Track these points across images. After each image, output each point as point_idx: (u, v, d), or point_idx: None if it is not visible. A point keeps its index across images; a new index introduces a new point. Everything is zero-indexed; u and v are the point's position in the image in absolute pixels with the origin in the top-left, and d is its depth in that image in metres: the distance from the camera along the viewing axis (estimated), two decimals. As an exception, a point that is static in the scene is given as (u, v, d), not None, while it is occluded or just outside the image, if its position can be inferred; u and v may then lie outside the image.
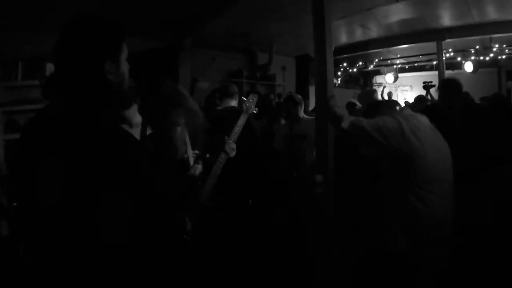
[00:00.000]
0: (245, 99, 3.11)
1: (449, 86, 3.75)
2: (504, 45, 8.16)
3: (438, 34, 7.48)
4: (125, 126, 3.34)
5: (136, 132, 3.01)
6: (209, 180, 2.60)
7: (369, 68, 10.65)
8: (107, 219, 1.01)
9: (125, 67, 1.26)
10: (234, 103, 3.79)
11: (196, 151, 2.63)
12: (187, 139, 2.51)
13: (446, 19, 6.81)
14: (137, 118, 3.15)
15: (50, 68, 5.15)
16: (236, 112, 3.22)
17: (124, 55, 1.26)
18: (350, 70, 10.62)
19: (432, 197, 2.14)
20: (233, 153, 2.79)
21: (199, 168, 2.56)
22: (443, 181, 2.22)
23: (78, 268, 0.99)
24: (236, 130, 2.86)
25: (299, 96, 4.43)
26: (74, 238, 0.99)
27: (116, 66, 1.20)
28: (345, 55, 9.26)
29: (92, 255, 1.00)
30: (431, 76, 8.19)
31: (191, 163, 2.54)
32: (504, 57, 8.55)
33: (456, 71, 8.88)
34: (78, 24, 1.20)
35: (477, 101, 6.46)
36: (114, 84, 1.19)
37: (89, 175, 0.99)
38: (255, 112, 3.07)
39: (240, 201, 3.48)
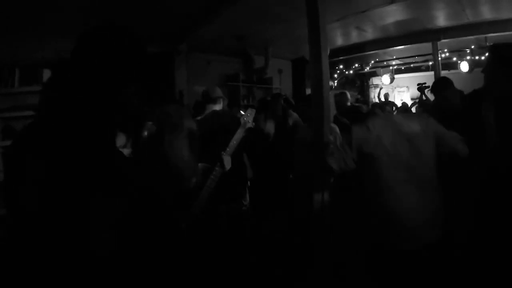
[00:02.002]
0: (243, 113, 3.09)
1: (438, 85, 3.81)
2: (500, 45, 8.17)
3: (433, 35, 7.51)
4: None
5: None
6: (204, 192, 2.60)
7: (365, 69, 10.67)
8: (94, 224, 0.99)
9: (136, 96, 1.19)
10: (218, 107, 3.69)
11: (191, 163, 2.63)
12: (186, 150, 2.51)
13: (441, 20, 6.83)
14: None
15: (46, 74, 5.15)
16: (231, 124, 3.18)
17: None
18: (346, 72, 10.64)
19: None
20: (228, 167, 2.77)
21: (193, 180, 2.56)
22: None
23: (64, 275, 0.98)
24: (232, 144, 2.85)
25: None
26: (59, 244, 0.96)
27: (132, 93, 1.16)
28: (341, 57, 9.26)
29: (79, 262, 0.98)
30: (427, 76, 8.20)
31: (186, 174, 2.54)
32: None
33: (452, 71, 8.89)
34: (114, 37, 1.16)
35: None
36: (122, 107, 1.15)
37: (74, 179, 0.98)
38: (252, 126, 3.06)
39: (235, 212, 3.46)
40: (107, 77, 1.10)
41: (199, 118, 3.66)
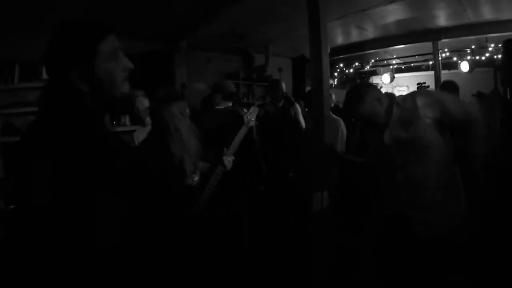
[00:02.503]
0: (247, 111, 3.10)
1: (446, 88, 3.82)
2: (500, 45, 8.16)
3: (434, 34, 7.51)
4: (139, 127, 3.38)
5: (146, 130, 3.03)
6: (206, 191, 2.60)
7: (366, 68, 10.68)
8: (100, 220, 1.01)
9: (104, 69, 1.17)
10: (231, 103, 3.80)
11: (193, 161, 2.63)
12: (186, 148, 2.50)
13: (442, 19, 6.84)
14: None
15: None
16: (238, 121, 3.19)
17: (102, 57, 1.16)
18: (347, 71, 10.65)
19: None
20: (230, 166, 2.77)
21: (196, 178, 2.56)
22: None
23: (72, 269, 0.99)
24: (235, 143, 2.85)
25: None
26: (66, 239, 0.98)
27: (89, 73, 1.14)
28: (341, 56, 9.28)
29: (86, 256, 1.00)
30: (428, 76, 8.21)
31: (188, 172, 2.54)
32: (500, 56, 8.56)
33: (452, 71, 8.90)
34: (54, 32, 1.16)
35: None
36: (84, 91, 1.15)
37: (80, 176, 0.99)
38: (254, 125, 3.06)
39: (238, 211, 3.47)
40: (55, 62, 1.15)
41: (220, 107, 3.71)
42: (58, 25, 1.17)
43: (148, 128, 2.98)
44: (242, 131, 2.90)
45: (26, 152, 1.09)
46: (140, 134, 3.49)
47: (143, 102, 3.74)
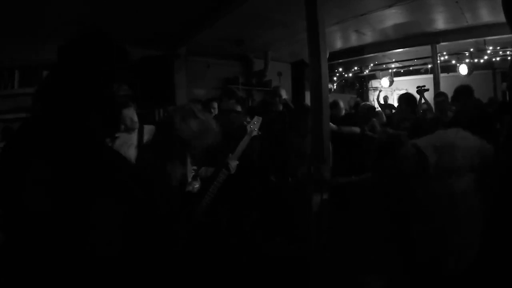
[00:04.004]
0: (250, 120, 3.12)
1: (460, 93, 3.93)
2: (498, 47, 8.20)
3: (433, 38, 7.53)
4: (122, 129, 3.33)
5: (134, 137, 3.02)
6: (206, 197, 2.59)
7: (365, 72, 10.69)
8: (97, 228, 1.00)
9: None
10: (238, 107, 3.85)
11: (194, 167, 2.63)
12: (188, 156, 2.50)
13: (440, 23, 6.85)
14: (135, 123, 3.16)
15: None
16: (241, 130, 3.20)
17: None
18: (346, 75, 10.66)
19: None
20: (234, 170, 2.78)
21: (196, 185, 2.56)
22: None
23: (67, 277, 0.98)
24: (237, 152, 2.87)
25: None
26: (63, 246, 0.97)
27: (110, 85, 1.24)
28: (340, 60, 9.29)
29: (82, 264, 0.98)
30: (426, 79, 8.20)
31: (189, 179, 2.54)
32: (498, 59, 8.58)
33: (451, 74, 8.91)
34: (87, 41, 1.24)
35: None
36: (108, 100, 1.23)
37: (78, 182, 0.99)
38: (257, 134, 3.08)
39: (237, 218, 3.46)
40: (91, 79, 1.19)
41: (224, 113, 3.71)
42: (91, 36, 1.25)
43: (134, 135, 3.00)
44: (245, 140, 2.93)
45: (25, 153, 1.07)
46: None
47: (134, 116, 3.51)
